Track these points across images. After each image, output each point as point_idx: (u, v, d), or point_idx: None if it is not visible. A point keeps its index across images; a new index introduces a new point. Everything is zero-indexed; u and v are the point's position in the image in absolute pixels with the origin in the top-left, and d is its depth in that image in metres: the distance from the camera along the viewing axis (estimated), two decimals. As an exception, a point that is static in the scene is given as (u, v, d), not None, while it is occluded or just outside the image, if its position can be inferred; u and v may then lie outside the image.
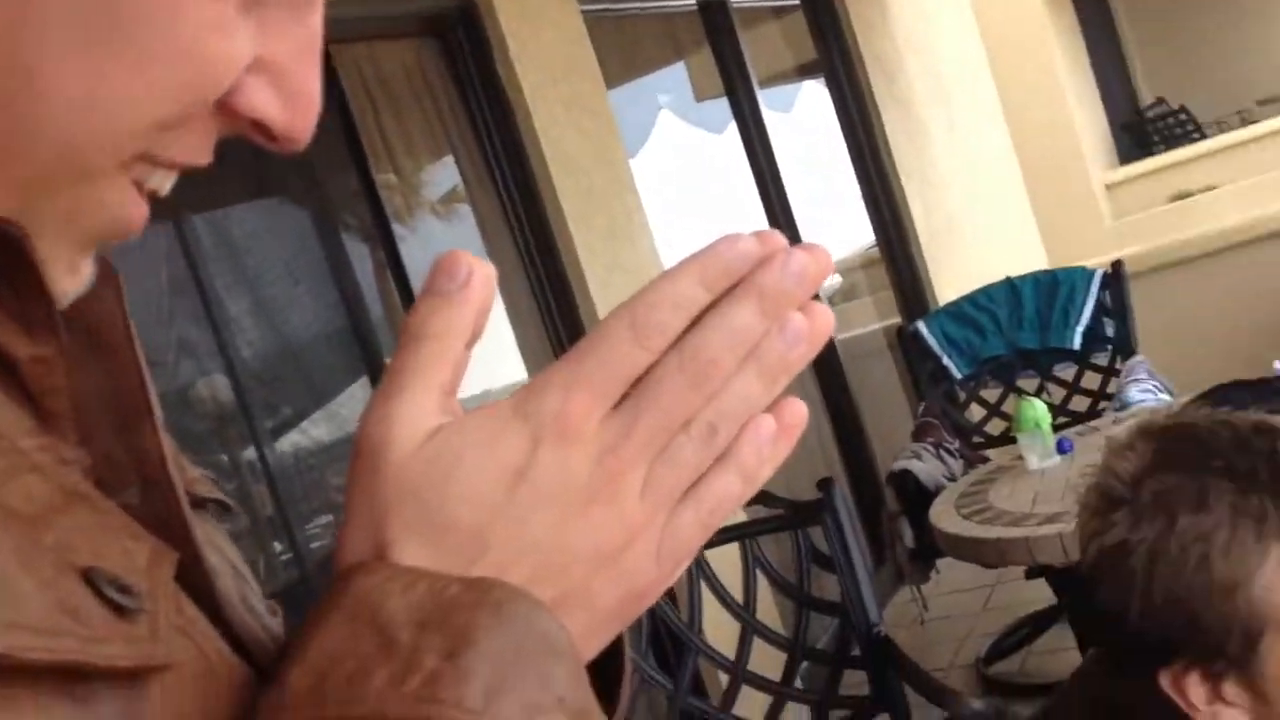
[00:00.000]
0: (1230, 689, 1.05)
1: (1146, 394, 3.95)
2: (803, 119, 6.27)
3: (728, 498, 0.47)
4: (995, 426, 4.51)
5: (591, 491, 0.45)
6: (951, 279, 5.65)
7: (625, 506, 0.45)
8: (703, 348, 0.45)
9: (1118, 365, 4.39)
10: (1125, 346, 4.45)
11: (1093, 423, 3.96)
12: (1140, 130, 9.99)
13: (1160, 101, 10.47)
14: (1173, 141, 9.67)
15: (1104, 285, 4.53)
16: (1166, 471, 1.06)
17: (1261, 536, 1.02)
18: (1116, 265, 4.57)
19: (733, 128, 5.24)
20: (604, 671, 0.51)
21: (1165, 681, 1.06)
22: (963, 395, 4.68)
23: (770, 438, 0.47)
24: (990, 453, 4.30)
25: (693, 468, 0.46)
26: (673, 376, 0.45)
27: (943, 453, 4.06)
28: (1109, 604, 1.08)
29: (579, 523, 0.45)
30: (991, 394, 4.63)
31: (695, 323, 0.46)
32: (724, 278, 0.46)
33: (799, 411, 0.48)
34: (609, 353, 0.45)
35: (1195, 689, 1.05)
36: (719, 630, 2.68)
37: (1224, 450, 1.05)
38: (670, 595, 2.84)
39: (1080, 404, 4.43)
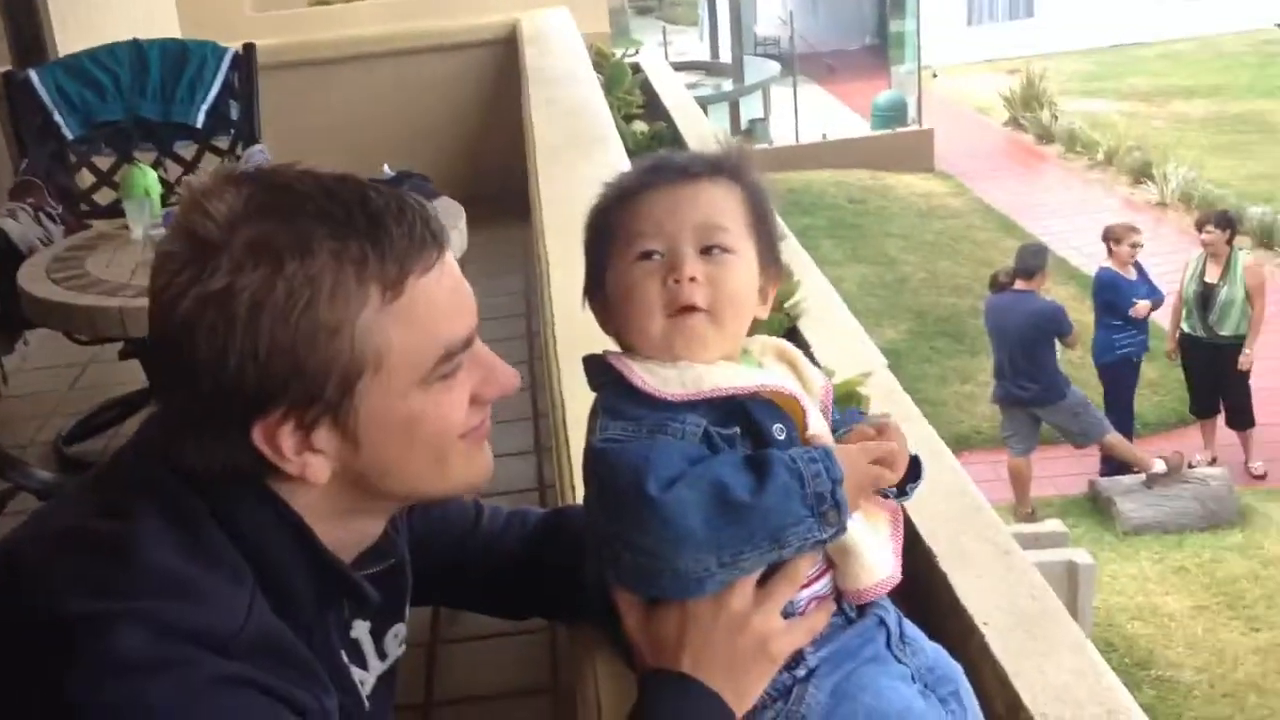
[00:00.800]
0: (322, 436, 1.05)
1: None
2: None
3: None
4: (105, 196, 4.25)
5: None
6: (78, 34, 5.19)
7: None
8: None
9: (239, 151, 4.35)
10: (248, 133, 4.42)
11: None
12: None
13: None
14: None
15: (234, 66, 4.43)
16: (264, 219, 1.02)
17: (363, 280, 1.02)
18: (248, 48, 4.48)
19: None
20: None
21: (257, 434, 1.03)
22: (73, 158, 4.36)
23: None
24: (96, 223, 4.04)
25: None
26: None
27: (42, 215, 3.75)
28: (202, 357, 1.01)
29: None
30: (105, 162, 4.37)
31: None
32: None
33: None
34: None
35: (287, 439, 1.04)
36: None
37: (316, 198, 1.04)
38: None
39: (197, 185, 4.34)
